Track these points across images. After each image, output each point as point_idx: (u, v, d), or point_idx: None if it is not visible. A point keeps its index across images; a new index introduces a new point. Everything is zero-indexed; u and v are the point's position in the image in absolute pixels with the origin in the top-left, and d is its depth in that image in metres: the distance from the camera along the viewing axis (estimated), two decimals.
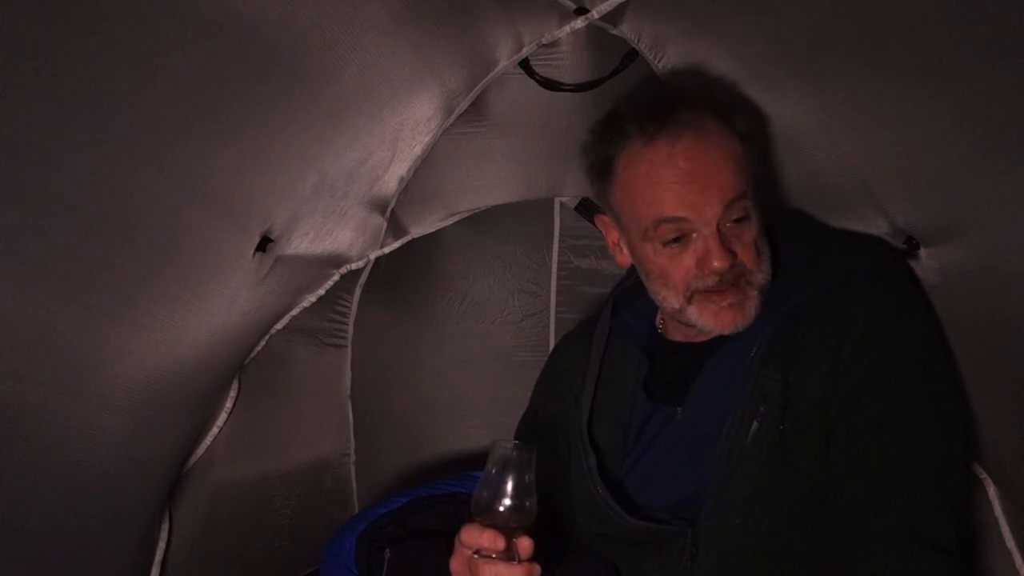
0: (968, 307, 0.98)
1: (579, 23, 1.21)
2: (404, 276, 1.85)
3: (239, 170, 0.96)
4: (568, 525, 1.14)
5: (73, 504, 1.01)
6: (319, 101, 0.99)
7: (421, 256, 1.80)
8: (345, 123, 1.10)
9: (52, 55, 0.61)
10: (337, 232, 1.40)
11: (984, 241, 0.88)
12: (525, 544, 0.88)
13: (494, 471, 0.90)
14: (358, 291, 1.83)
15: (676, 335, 1.15)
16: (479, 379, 1.91)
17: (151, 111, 0.75)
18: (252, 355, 1.49)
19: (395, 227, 1.63)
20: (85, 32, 0.62)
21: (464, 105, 1.40)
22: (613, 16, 1.20)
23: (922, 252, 1.00)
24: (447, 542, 0.93)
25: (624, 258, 1.13)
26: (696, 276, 1.00)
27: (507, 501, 0.88)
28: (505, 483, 0.89)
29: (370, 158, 1.29)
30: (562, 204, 1.86)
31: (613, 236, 1.13)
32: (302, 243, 1.27)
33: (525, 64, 1.33)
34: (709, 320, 1.02)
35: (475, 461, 0.94)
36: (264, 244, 1.13)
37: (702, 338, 1.10)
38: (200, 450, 1.41)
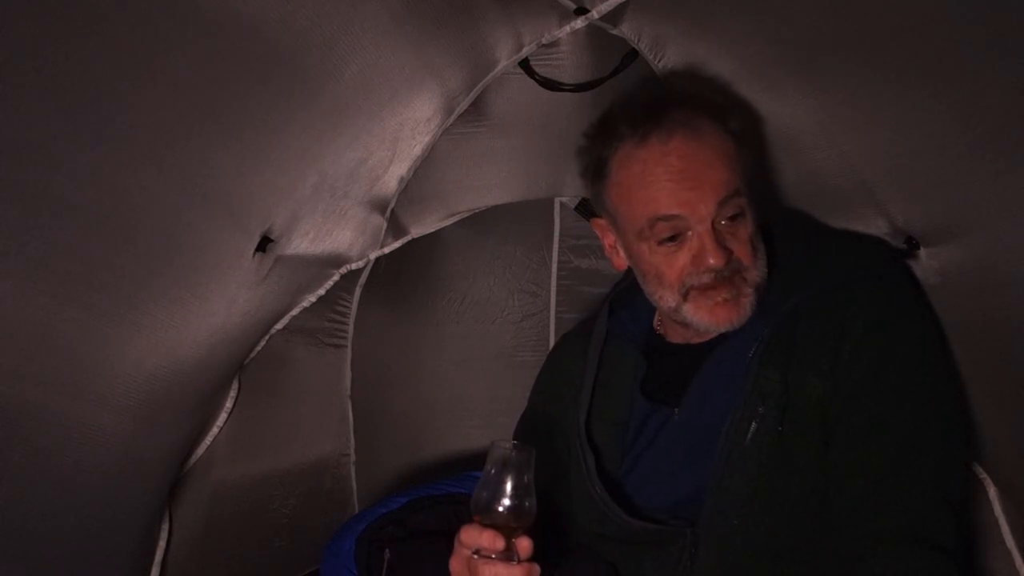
0: (968, 307, 0.98)
1: (579, 23, 1.21)
2: (404, 276, 1.85)
3: (239, 170, 0.96)
4: (567, 525, 1.14)
5: (73, 504, 1.01)
6: (319, 101, 0.99)
7: (421, 256, 1.80)
8: (345, 123, 1.10)
9: (52, 55, 0.61)
10: (337, 232, 1.40)
11: (984, 241, 0.88)
12: (524, 544, 0.88)
13: (493, 471, 0.90)
14: (358, 291, 1.83)
15: (675, 337, 1.15)
16: (479, 379, 1.91)
17: (151, 111, 0.75)
18: (252, 355, 1.49)
19: (395, 227, 1.63)
20: (85, 32, 0.62)
21: (464, 105, 1.40)
22: (613, 16, 1.20)
23: (922, 252, 1.00)
24: (447, 542, 0.93)
25: (620, 261, 1.13)
26: (691, 273, 1.01)
27: (506, 501, 0.88)
28: (504, 483, 0.89)
29: (370, 158, 1.29)
30: (562, 204, 1.86)
31: (609, 239, 1.14)
32: (302, 243, 1.27)
33: (525, 64, 1.33)
34: (705, 317, 1.02)
35: (475, 461, 0.94)
36: (264, 244, 1.13)
37: (700, 339, 1.10)
38: (200, 450, 1.41)
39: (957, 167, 0.84)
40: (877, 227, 1.08)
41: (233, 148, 0.91)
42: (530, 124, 1.47)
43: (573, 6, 1.18)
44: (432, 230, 1.72)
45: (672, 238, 1.01)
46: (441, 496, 1.26)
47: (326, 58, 0.92)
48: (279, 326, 1.53)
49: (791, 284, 1.02)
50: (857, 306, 0.96)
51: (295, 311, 1.55)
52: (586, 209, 1.78)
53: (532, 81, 1.34)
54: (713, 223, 0.99)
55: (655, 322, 1.19)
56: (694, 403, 1.04)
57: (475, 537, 0.88)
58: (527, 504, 0.89)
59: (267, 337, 1.51)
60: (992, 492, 1.12)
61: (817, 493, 0.93)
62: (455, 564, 0.92)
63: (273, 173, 1.04)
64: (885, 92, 0.86)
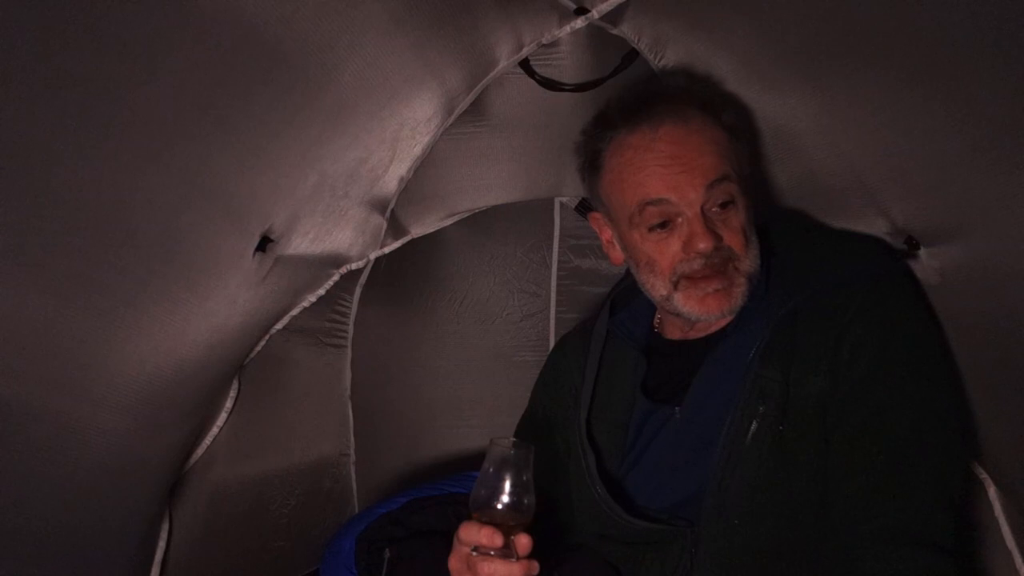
0: (968, 307, 0.98)
1: (579, 23, 1.21)
2: (404, 276, 1.85)
3: (239, 170, 0.96)
4: (567, 524, 1.14)
5: (73, 504, 1.01)
6: (319, 101, 0.99)
7: (421, 256, 1.80)
8: (345, 123, 1.10)
9: (52, 55, 0.61)
10: (337, 232, 1.40)
11: (984, 241, 0.88)
12: (523, 542, 0.88)
13: (492, 469, 0.90)
14: (358, 291, 1.83)
15: (672, 333, 1.15)
16: (479, 379, 1.91)
17: (151, 111, 0.75)
18: (252, 355, 1.49)
19: (395, 227, 1.63)
20: (85, 32, 0.62)
21: (464, 105, 1.40)
22: (613, 16, 1.20)
23: (922, 252, 1.00)
24: (447, 542, 0.93)
25: (617, 255, 1.14)
26: (682, 260, 1.02)
27: (505, 499, 0.88)
28: (503, 481, 0.89)
29: (370, 158, 1.29)
30: (562, 204, 1.86)
31: (606, 233, 1.14)
32: (302, 243, 1.27)
33: (525, 64, 1.33)
34: (695, 306, 1.02)
35: (475, 461, 0.94)
36: (264, 244, 1.13)
37: (697, 335, 1.11)
38: (200, 450, 1.41)
39: (957, 167, 0.84)
40: (877, 227, 1.08)
41: (233, 148, 0.91)
42: (530, 124, 1.47)
43: (573, 6, 1.18)
44: (432, 230, 1.72)
45: (662, 224, 1.02)
46: (441, 496, 1.26)
47: (326, 58, 0.92)
48: (279, 326, 1.53)
49: (791, 284, 1.02)
50: (857, 306, 0.96)
51: (295, 311, 1.55)
52: (586, 209, 1.78)
53: (532, 81, 1.34)
54: (703, 209, 1.00)
55: (655, 321, 1.19)
56: (695, 402, 1.04)
57: (474, 534, 0.88)
58: (526, 501, 0.89)
59: (267, 337, 1.51)
60: (992, 492, 1.12)
61: (817, 493, 0.93)
62: (454, 561, 0.92)
63: (273, 173, 1.04)
64: (885, 92, 0.86)
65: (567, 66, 1.33)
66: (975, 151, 0.79)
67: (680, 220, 1.01)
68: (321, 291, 1.58)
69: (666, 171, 1.01)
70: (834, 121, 1.02)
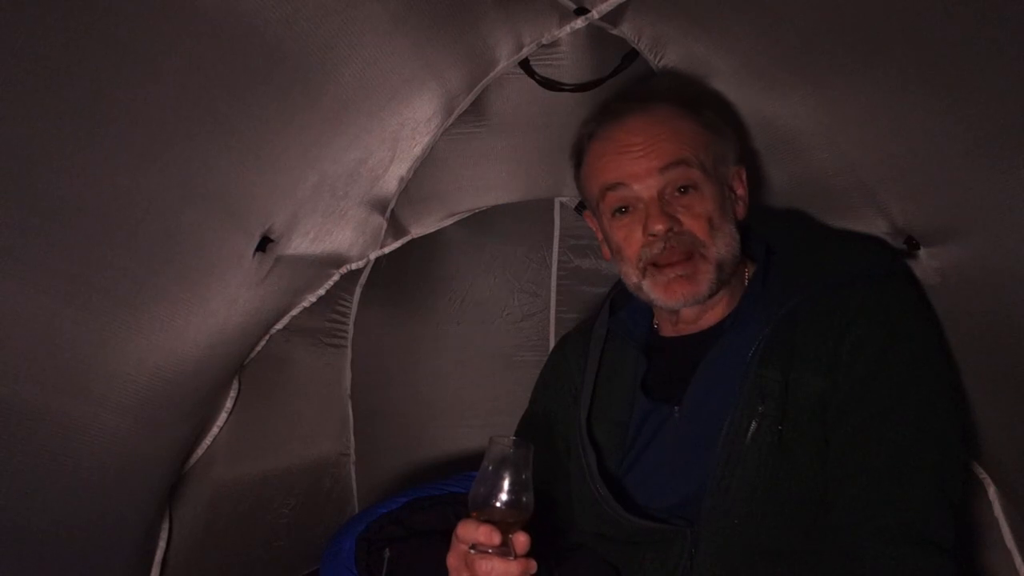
0: (968, 307, 0.98)
1: (579, 23, 1.21)
2: (404, 276, 1.85)
3: (239, 170, 0.96)
4: (567, 524, 1.14)
5: (73, 504, 1.01)
6: (319, 101, 0.99)
7: (421, 256, 1.80)
8: (345, 123, 1.10)
9: (52, 55, 0.61)
10: (337, 232, 1.40)
11: (984, 241, 0.88)
12: (521, 540, 0.88)
13: (491, 467, 0.90)
14: (358, 291, 1.83)
15: (666, 329, 1.16)
16: (479, 379, 1.91)
17: (151, 111, 0.75)
18: (252, 355, 1.49)
19: (395, 227, 1.63)
20: (85, 32, 0.62)
21: (464, 105, 1.40)
22: (613, 16, 1.20)
23: (922, 252, 1.00)
24: (447, 542, 0.93)
25: (606, 250, 1.17)
26: (644, 245, 1.05)
27: (504, 497, 0.88)
28: (502, 479, 0.89)
29: (370, 158, 1.29)
30: (562, 204, 1.86)
31: (598, 231, 1.18)
32: (302, 243, 1.27)
33: (525, 64, 1.33)
34: (661, 293, 1.05)
35: (475, 461, 0.94)
36: (264, 244, 1.13)
37: (691, 331, 1.11)
38: (200, 450, 1.41)
39: (957, 167, 0.84)
40: (877, 227, 1.08)
41: (233, 148, 0.91)
42: (530, 124, 1.47)
43: (573, 6, 1.18)
44: (432, 230, 1.72)
45: (624, 210, 1.07)
46: (441, 496, 1.26)
47: (326, 58, 0.92)
48: (279, 326, 1.53)
49: (791, 284, 1.02)
50: (857, 306, 0.96)
51: (295, 311, 1.55)
52: (584, 208, 1.78)
53: (532, 81, 1.34)
54: (662, 193, 1.04)
55: (654, 320, 1.20)
56: (694, 402, 1.05)
57: (472, 532, 0.88)
58: (524, 499, 0.89)
59: (267, 337, 1.51)
60: (992, 492, 1.12)
61: (817, 492, 0.93)
62: (452, 559, 0.92)
63: (273, 173, 1.04)
64: (885, 92, 0.86)
65: (567, 66, 1.33)
66: (975, 151, 0.79)
67: (640, 205, 1.05)
68: (321, 291, 1.58)
69: (623, 157, 1.06)
70: (834, 121, 1.02)
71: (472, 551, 0.88)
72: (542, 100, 1.39)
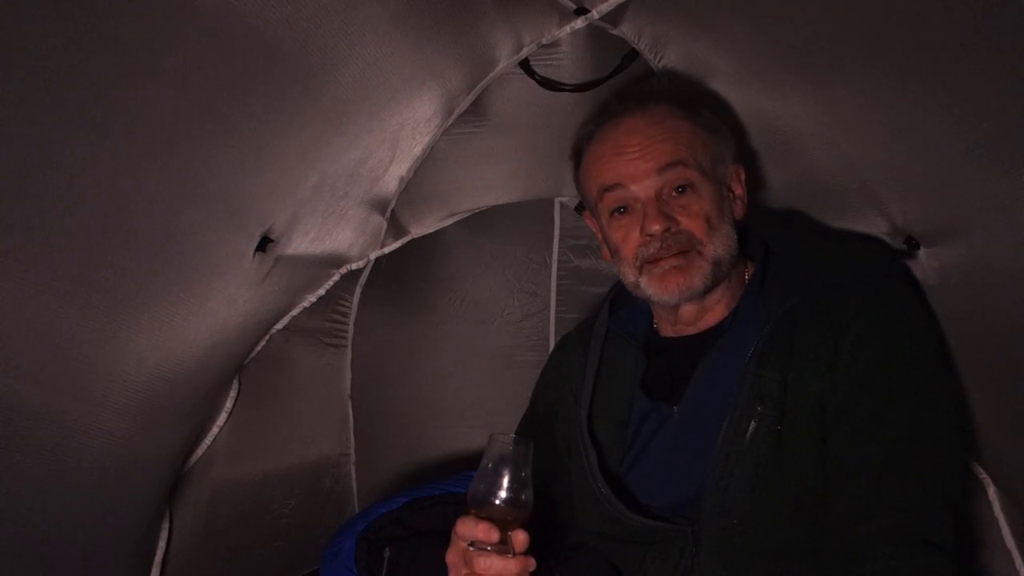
0: (968, 307, 0.98)
1: (579, 23, 1.21)
2: (404, 276, 1.84)
3: (239, 170, 0.96)
4: (568, 523, 1.14)
5: (73, 504, 1.01)
6: (319, 101, 0.99)
7: (421, 256, 1.80)
8: (345, 123, 1.10)
9: (52, 55, 0.61)
10: (337, 232, 1.40)
11: (984, 241, 0.88)
12: (520, 537, 0.88)
13: (491, 464, 0.90)
14: (358, 291, 1.83)
15: (666, 329, 1.16)
16: (479, 379, 1.91)
17: (151, 111, 0.75)
18: (252, 355, 1.49)
19: (395, 227, 1.63)
20: (85, 32, 0.62)
21: (464, 105, 1.40)
22: (613, 16, 1.20)
23: (922, 252, 1.00)
24: (447, 542, 0.94)
25: (605, 251, 1.18)
26: (641, 245, 1.06)
27: (503, 494, 0.89)
28: (501, 476, 0.89)
29: (370, 158, 1.29)
30: (562, 204, 1.86)
31: (598, 232, 1.18)
32: (302, 243, 1.27)
33: (525, 64, 1.33)
34: (656, 287, 1.06)
35: (475, 461, 0.94)
36: (264, 244, 1.13)
37: (690, 331, 1.11)
38: (200, 450, 1.41)
39: (957, 167, 0.84)
40: (877, 227, 1.08)
41: (233, 148, 0.91)
42: (530, 124, 1.47)
43: (573, 6, 1.18)
44: (432, 230, 1.72)
45: (622, 210, 1.08)
46: (441, 496, 1.26)
47: (326, 58, 0.92)
48: (279, 326, 1.53)
49: (790, 284, 1.03)
50: (855, 306, 0.96)
51: (295, 311, 1.55)
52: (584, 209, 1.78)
53: (532, 81, 1.34)
54: (659, 193, 1.04)
55: (654, 320, 1.20)
56: (692, 402, 1.05)
57: (470, 529, 0.88)
58: (523, 497, 0.89)
59: (267, 337, 1.51)
60: (992, 492, 1.12)
61: (816, 492, 0.93)
62: (451, 556, 0.92)
63: (273, 173, 1.04)
64: (885, 92, 0.86)
65: (567, 66, 1.33)
66: (975, 151, 0.79)
67: (638, 205, 1.06)
68: (321, 291, 1.58)
69: (620, 158, 1.07)
70: (834, 121, 1.02)
71: (471, 548, 0.88)
72: (542, 100, 1.39)
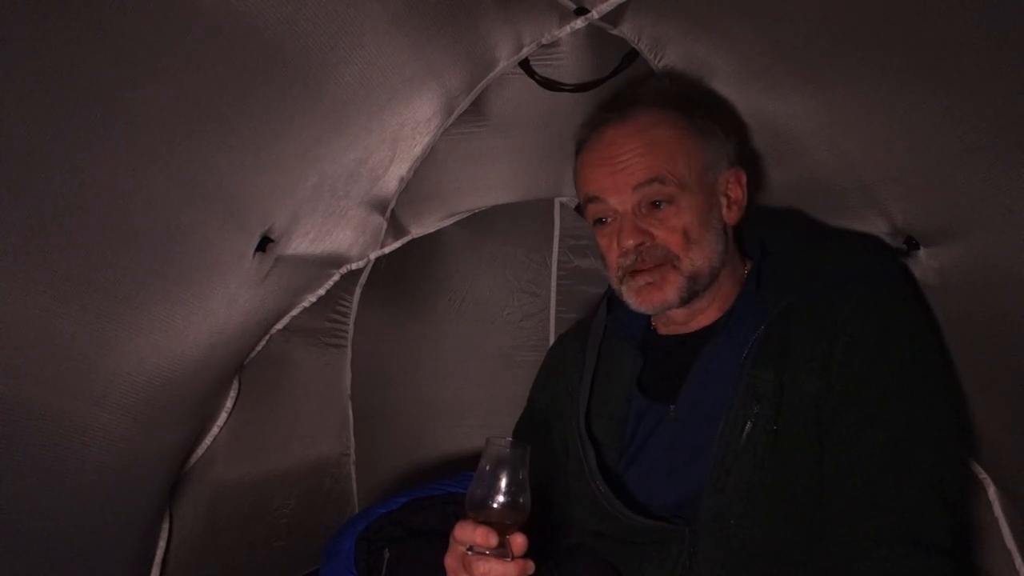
0: (968, 307, 0.98)
1: (579, 23, 1.21)
2: (404, 276, 1.85)
3: (239, 170, 0.96)
4: (565, 524, 1.14)
5: (73, 504, 1.01)
6: (319, 101, 0.99)
7: (421, 256, 1.80)
8: (345, 123, 1.10)
9: (52, 55, 0.61)
10: (337, 232, 1.40)
11: (984, 241, 0.88)
12: (519, 541, 0.88)
13: (488, 468, 0.90)
14: (358, 291, 1.83)
15: (661, 328, 1.17)
16: (479, 379, 1.91)
17: (151, 111, 0.75)
18: (252, 355, 1.49)
19: (395, 227, 1.63)
20: (85, 32, 0.62)
21: (464, 105, 1.40)
22: (613, 16, 1.20)
23: (922, 252, 1.00)
24: (446, 542, 0.93)
25: None
26: (620, 255, 1.07)
27: (500, 498, 0.88)
28: (499, 480, 0.89)
29: (370, 158, 1.29)
30: (562, 204, 1.86)
31: None
32: (302, 243, 1.27)
33: (525, 64, 1.33)
34: (633, 299, 1.08)
35: (475, 461, 0.94)
36: (264, 244, 1.13)
37: (686, 330, 1.11)
38: (200, 450, 1.41)
39: (957, 167, 0.84)
40: (877, 227, 1.08)
41: (233, 148, 0.91)
42: (530, 124, 1.47)
43: (573, 6, 1.18)
44: (432, 230, 1.72)
45: (603, 221, 1.10)
46: (441, 496, 1.26)
47: (326, 58, 0.92)
48: (279, 326, 1.53)
49: (785, 284, 1.03)
50: (851, 305, 0.96)
51: (295, 311, 1.55)
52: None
53: (532, 81, 1.34)
54: (637, 208, 1.05)
55: (651, 318, 1.20)
56: (688, 401, 1.05)
57: (469, 533, 0.88)
58: (521, 501, 0.89)
59: (267, 337, 1.51)
60: (992, 492, 1.12)
61: (813, 493, 0.93)
62: (449, 560, 0.92)
63: (273, 173, 1.04)
64: (885, 92, 0.86)
65: (567, 66, 1.33)
66: (975, 151, 0.79)
67: (617, 217, 1.07)
68: (321, 291, 1.58)
69: (600, 170, 1.08)
70: (834, 121, 1.02)
71: (469, 552, 0.88)
72: (542, 100, 1.39)
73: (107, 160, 0.74)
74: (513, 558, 0.87)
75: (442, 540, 0.96)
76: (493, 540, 0.87)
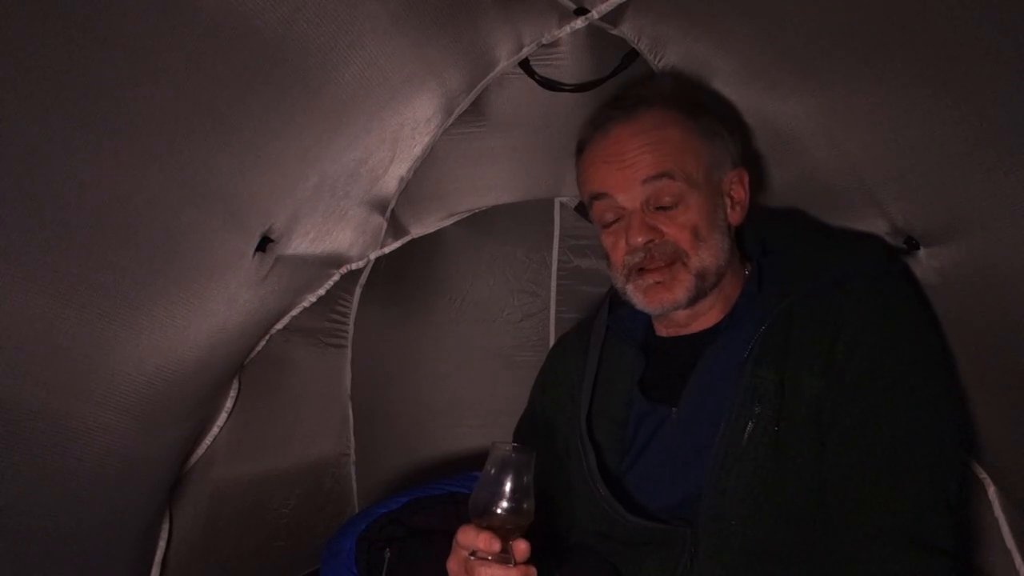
0: (968, 307, 0.98)
1: (579, 23, 1.21)
2: (404, 276, 1.84)
3: (239, 170, 0.96)
4: (567, 527, 1.14)
5: (73, 504, 1.01)
6: (319, 101, 0.99)
7: (421, 256, 1.80)
8: (345, 123, 1.10)
9: (52, 55, 0.61)
10: (337, 232, 1.40)
11: (984, 241, 0.88)
12: (521, 547, 0.88)
13: (492, 472, 0.90)
14: (358, 291, 1.83)
15: (662, 329, 1.16)
16: (479, 379, 1.91)
17: (151, 111, 0.75)
18: (252, 355, 1.49)
19: (395, 227, 1.63)
20: (85, 32, 0.62)
21: (464, 105, 1.40)
22: (613, 16, 1.20)
23: (922, 252, 1.00)
24: (447, 542, 0.93)
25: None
26: (627, 253, 1.06)
27: (504, 503, 0.88)
28: (503, 485, 0.89)
29: (370, 158, 1.29)
30: (562, 204, 1.86)
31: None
32: (302, 243, 1.27)
33: (525, 64, 1.32)
34: (641, 298, 1.07)
35: (475, 461, 0.94)
36: (264, 244, 1.13)
37: (687, 331, 1.11)
38: (200, 450, 1.41)
39: (957, 167, 0.84)
40: (877, 227, 1.08)
41: (233, 148, 0.91)
42: (530, 124, 1.47)
43: (573, 6, 1.18)
44: (432, 230, 1.72)
45: (610, 219, 1.09)
46: (442, 496, 1.26)
47: (326, 58, 0.92)
48: (279, 326, 1.53)
49: (786, 283, 1.02)
50: (852, 305, 0.96)
51: (295, 311, 1.55)
52: (586, 209, 1.78)
53: (532, 81, 1.34)
54: (645, 205, 1.05)
55: (653, 319, 1.20)
56: (691, 403, 1.05)
57: (471, 538, 0.88)
58: (525, 506, 0.89)
59: (267, 337, 1.51)
60: (992, 492, 1.12)
61: (814, 493, 0.93)
62: (452, 564, 0.92)
63: (273, 173, 1.03)
64: (885, 92, 0.86)
65: (567, 66, 1.33)
66: (975, 151, 0.79)
67: (624, 215, 1.06)
68: (321, 291, 1.58)
69: (607, 167, 1.07)
70: (834, 121, 1.02)
71: (472, 557, 0.88)
72: (542, 100, 1.39)
73: (107, 160, 0.74)
74: (515, 564, 0.87)
75: (443, 540, 0.96)
76: (496, 546, 0.86)
